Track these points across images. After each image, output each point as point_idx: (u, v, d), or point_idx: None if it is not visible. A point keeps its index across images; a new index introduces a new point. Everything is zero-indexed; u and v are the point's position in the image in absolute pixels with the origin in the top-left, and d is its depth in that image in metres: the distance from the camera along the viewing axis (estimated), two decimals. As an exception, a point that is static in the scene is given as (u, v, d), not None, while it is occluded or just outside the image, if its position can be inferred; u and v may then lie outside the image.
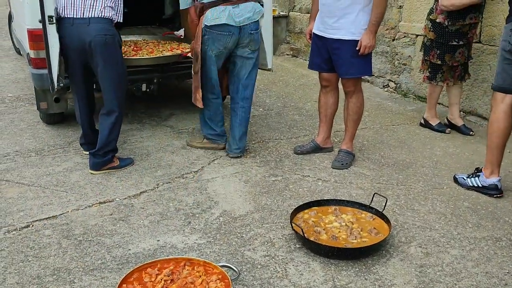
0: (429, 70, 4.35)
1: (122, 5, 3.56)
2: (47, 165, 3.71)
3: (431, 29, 4.25)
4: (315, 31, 3.73)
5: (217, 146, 4.02)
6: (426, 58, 4.34)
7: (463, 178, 3.44)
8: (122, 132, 3.97)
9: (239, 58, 3.76)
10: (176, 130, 4.48)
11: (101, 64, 3.43)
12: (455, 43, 4.17)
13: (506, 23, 3.14)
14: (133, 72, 4.18)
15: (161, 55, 4.41)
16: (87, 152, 3.85)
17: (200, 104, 3.78)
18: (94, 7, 3.39)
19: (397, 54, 5.71)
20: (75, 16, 3.38)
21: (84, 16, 3.37)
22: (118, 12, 3.52)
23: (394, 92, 5.77)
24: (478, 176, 3.36)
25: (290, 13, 7.40)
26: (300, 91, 5.79)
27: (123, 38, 4.70)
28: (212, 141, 4.01)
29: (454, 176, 3.53)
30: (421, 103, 5.34)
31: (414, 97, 5.54)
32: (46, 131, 4.41)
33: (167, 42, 5.05)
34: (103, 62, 3.42)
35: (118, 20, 3.53)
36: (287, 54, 7.46)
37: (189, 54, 4.23)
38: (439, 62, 4.26)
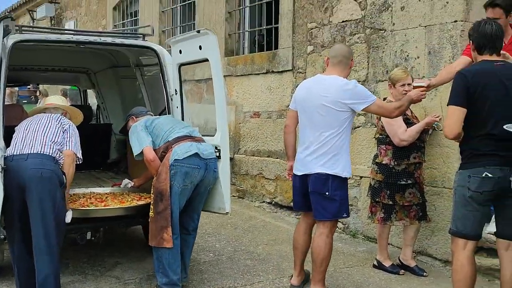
0: (383, 211, 4.41)
1: (76, 139, 3.71)
2: (-24, 328, 3.30)
3: (378, 171, 4.40)
4: None
5: (169, 298, 3.76)
6: (377, 200, 4.42)
7: None
8: (62, 286, 3.66)
9: (200, 192, 3.94)
10: (122, 281, 4.18)
11: (35, 201, 3.28)
12: (403, 182, 4.31)
13: (461, 169, 3.28)
14: (78, 220, 3.98)
15: (135, 204, 4.23)
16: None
17: (170, 244, 3.69)
18: (34, 145, 3.45)
19: (343, 195, 5.82)
20: (15, 153, 3.42)
21: (23, 153, 3.41)
22: (69, 145, 3.65)
23: (343, 233, 5.78)
24: None
25: (235, 155, 7.55)
26: (249, 234, 5.70)
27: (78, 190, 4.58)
28: (165, 292, 3.75)
29: None
30: (371, 244, 5.34)
31: (363, 237, 5.56)
32: (-24, 286, 4.00)
33: (124, 192, 4.71)
34: (38, 198, 3.29)
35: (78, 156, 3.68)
36: (233, 196, 7.45)
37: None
38: (390, 202, 4.35)
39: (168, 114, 4.64)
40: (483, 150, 3.17)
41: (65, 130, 3.71)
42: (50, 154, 3.47)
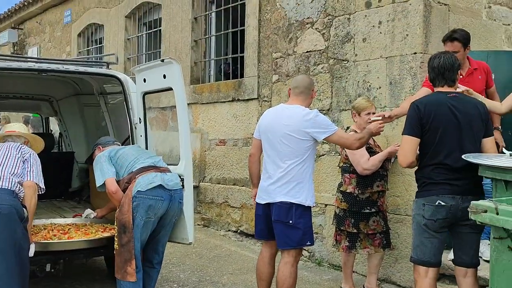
0: (348, 239, 4.43)
1: (37, 169, 3.55)
2: None
3: (343, 200, 4.44)
4: None
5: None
6: (341, 228, 4.45)
7: None
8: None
9: (165, 224, 3.87)
10: (82, 314, 4.07)
11: None
12: (367, 210, 4.36)
13: (416, 198, 3.35)
14: (39, 252, 3.86)
15: (100, 236, 4.12)
16: None
17: (133, 278, 3.62)
18: None
19: (308, 223, 5.83)
20: None
21: None
22: (30, 175, 3.48)
23: (308, 261, 5.78)
24: None
25: (201, 183, 7.50)
26: (214, 263, 5.63)
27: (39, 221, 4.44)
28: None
29: None
30: (336, 272, 5.35)
31: (328, 265, 5.57)
32: None
33: (87, 223, 4.60)
34: None
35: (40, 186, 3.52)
36: (198, 224, 7.39)
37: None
38: (355, 231, 4.38)
39: (132, 142, 4.60)
40: (436, 179, 3.25)
41: (26, 159, 3.56)
42: (9, 188, 3.31)
